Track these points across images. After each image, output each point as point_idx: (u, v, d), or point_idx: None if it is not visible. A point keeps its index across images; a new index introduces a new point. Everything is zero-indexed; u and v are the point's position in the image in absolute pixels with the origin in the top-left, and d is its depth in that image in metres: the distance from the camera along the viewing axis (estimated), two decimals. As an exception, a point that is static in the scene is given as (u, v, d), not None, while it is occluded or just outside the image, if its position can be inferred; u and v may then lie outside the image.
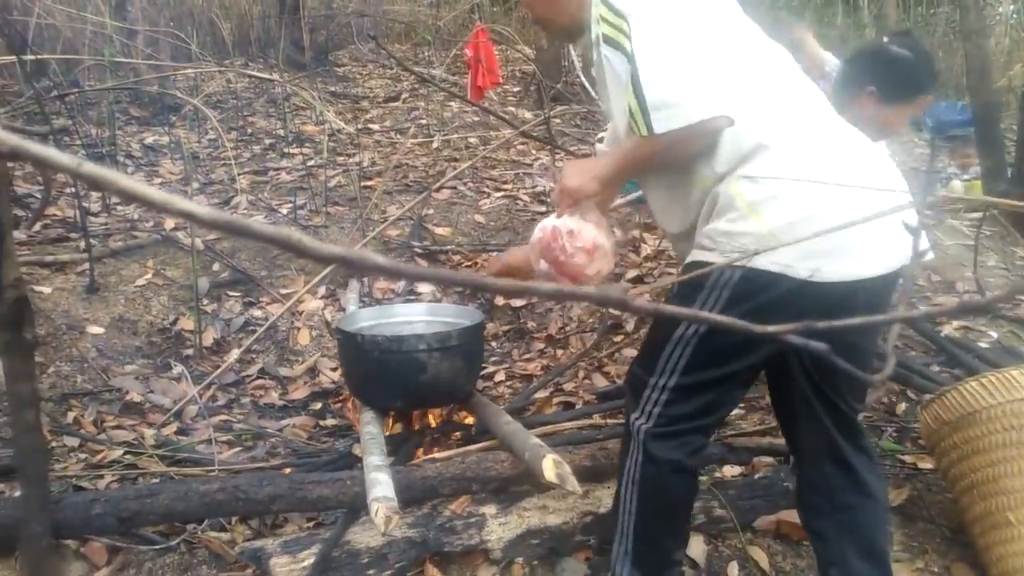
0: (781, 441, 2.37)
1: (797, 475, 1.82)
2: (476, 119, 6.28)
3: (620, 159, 1.67)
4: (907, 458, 2.45)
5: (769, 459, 2.40)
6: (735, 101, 1.50)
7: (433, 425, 2.43)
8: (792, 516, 2.14)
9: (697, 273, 1.52)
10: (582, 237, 1.72)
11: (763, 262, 1.44)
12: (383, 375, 2.19)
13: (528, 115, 6.47)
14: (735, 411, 2.73)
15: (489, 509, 2.04)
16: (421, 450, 2.31)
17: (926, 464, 2.37)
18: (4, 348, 1.63)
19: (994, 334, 3.19)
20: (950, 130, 6.86)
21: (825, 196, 1.47)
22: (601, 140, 2.13)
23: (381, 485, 1.82)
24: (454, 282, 0.36)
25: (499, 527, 2.02)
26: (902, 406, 2.71)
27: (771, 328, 0.45)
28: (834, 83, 2.54)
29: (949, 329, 3.22)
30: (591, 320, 3.44)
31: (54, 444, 2.35)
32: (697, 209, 1.61)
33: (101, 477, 2.22)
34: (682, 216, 1.67)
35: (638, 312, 0.34)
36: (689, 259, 1.62)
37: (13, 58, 3.43)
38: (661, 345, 1.63)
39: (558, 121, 6.45)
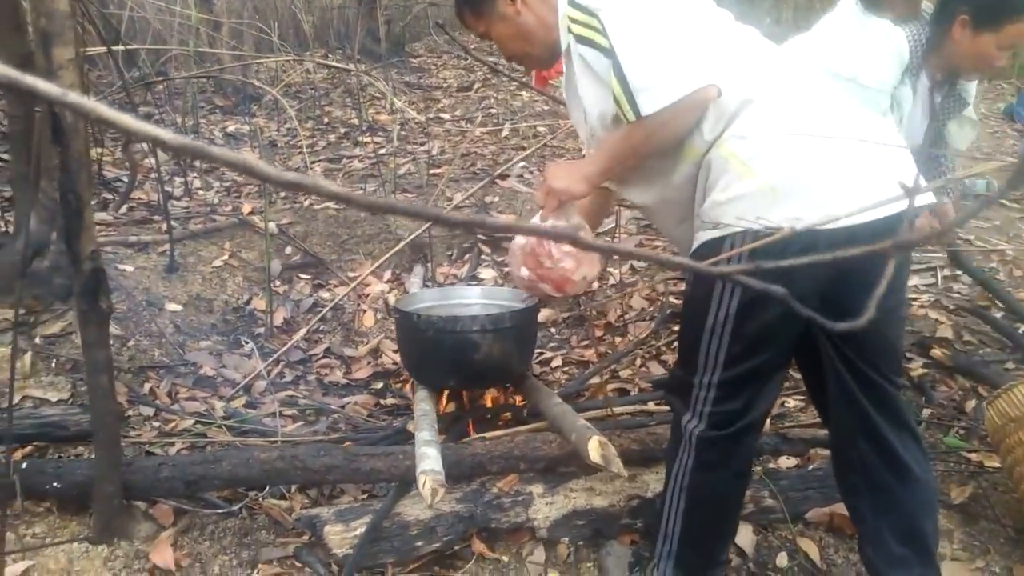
0: (838, 433, 2.33)
1: (832, 454, 1.78)
2: (546, 108, 6.30)
3: (609, 152, 1.64)
4: (973, 456, 2.37)
5: (825, 451, 2.35)
6: (715, 69, 1.49)
7: (486, 405, 2.48)
8: (846, 509, 2.11)
9: (711, 262, 1.50)
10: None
11: (773, 222, 1.40)
12: (437, 354, 2.24)
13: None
14: (794, 403, 2.69)
15: (536, 488, 2.07)
16: (471, 428, 2.36)
17: (993, 462, 2.29)
18: (81, 316, 1.74)
19: (1077, 332, 3.04)
20: (1042, 119, 6.53)
21: (818, 142, 1.44)
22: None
23: (429, 459, 1.87)
24: (416, 215, 0.39)
25: (546, 506, 2.05)
26: (971, 403, 2.61)
27: (727, 268, 0.46)
28: (928, 19, 2.43)
29: (1028, 326, 3.08)
30: (651, 308, 3.42)
31: (130, 413, 2.49)
32: (687, 184, 1.59)
33: (172, 444, 2.35)
34: (660, 188, 1.65)
35: (590, 248, 0.36)
36: (696, 244, 1.59)
37: (104, 49, 3.62)
38: (696, 341, 1.61)
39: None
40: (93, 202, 3.79)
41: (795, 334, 1.59)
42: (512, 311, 2.31)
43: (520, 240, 1.79)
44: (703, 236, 1.56)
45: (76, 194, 1.66)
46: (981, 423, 2.44)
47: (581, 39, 1.56)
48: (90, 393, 1.82)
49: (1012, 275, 3.62)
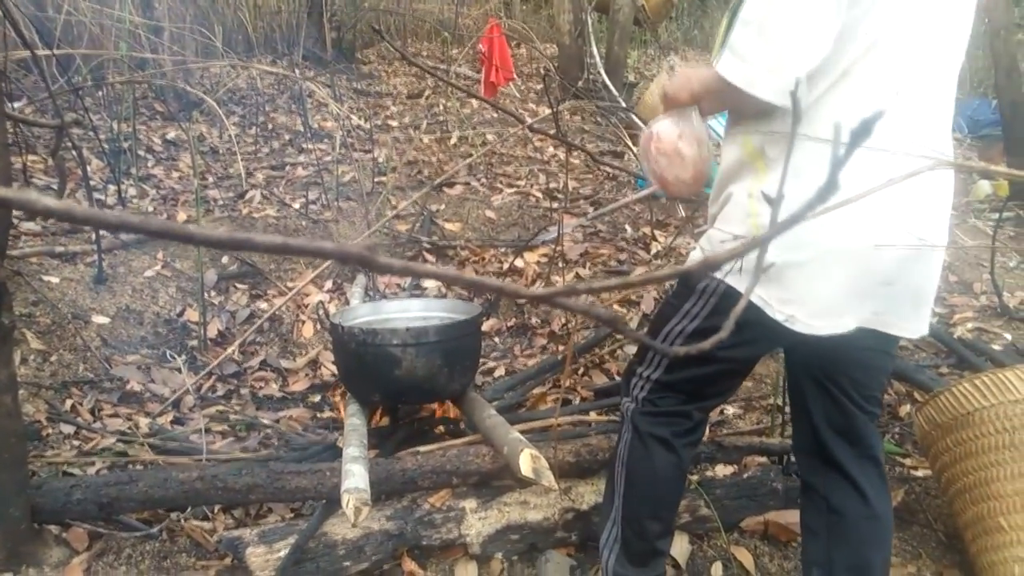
0: (773, 441, 2.33)
1: (799, 468, 1.73)
2: (495, 116, 6.27)
3: (703, 81, 1.50)
4: (906, 461, 2.38)
5: (761, 459, 2.35)
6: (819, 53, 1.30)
7: (419, 419, 2.42)
8: (780, 517, 2.10)
9: (687, 267, 1.45)
10: (663, 141, 1.59)
11: (745, 286, 1.38)
12: (360, 367, 2.18)
13: (547, 111, 6.43)
14: (733, 410, 2.69)
15: (469, 503, 2.02)
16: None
17: (925, 468, 2.30)
18: (-20, 333, 1.65)
19: (1008, 336, 3.10)
20: (982, 129, 6.70)
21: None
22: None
23: (354, 476, 1.81)
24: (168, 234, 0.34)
25: (478, 522, 2.00)
26: (905, 408, 2.64)
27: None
28: None
29: (962, 331, 3.13)
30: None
31: (49, 431, 2.39)
32: (732, 171, 1.50)
33: (91, 464, 2.25)
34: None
35: (381, 270, 0.33)
36: (692, 254, 1.60)
37: (28, 52, 3.48)
38: (652, 337, 1.60)
39: (578, 118, 6.41)
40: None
41: (749, 355, 1.57)
42: (436, 326, 2.25)
43: (643, 134, 1.69)
44: (695, 255, 1.55)
45: (-27, 204, 1.57)
46: (913, 429, 2.46)
47: None
48: (-8, 413, 1.72)
49: (947, 280, 3.68)
